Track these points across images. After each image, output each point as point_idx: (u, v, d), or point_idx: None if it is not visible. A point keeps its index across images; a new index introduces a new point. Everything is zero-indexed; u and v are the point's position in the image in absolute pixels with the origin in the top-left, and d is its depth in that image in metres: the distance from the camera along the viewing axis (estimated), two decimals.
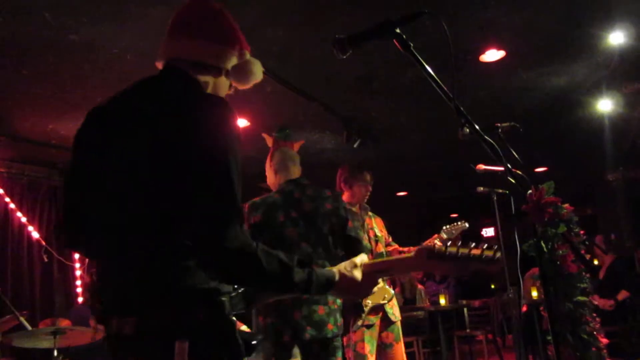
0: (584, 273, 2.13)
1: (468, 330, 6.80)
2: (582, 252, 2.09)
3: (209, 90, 1.43)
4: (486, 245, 1.31)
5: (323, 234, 2.67)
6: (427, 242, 3.65)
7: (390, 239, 3.83)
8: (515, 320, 5.61)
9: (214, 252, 1.12)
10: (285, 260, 1.22)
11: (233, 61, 1.48)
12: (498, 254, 1.30)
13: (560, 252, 1.92)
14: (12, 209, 5.22)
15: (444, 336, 6.17)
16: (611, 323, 5.35)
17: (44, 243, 5.32)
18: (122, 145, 1.23)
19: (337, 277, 1.33)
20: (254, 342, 1.33)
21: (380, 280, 3.44)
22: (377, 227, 3.71)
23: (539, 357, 5.93)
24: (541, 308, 4.60)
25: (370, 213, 3.77)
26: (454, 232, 3.71)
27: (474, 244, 1.27)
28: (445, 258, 1.26)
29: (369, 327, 3.35)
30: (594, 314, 2.60)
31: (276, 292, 1.39)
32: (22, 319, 3.43)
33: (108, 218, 1.23)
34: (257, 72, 1.56)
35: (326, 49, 3.58)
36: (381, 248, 3.64)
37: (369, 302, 3.37)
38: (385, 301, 3.45)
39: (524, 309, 6.06)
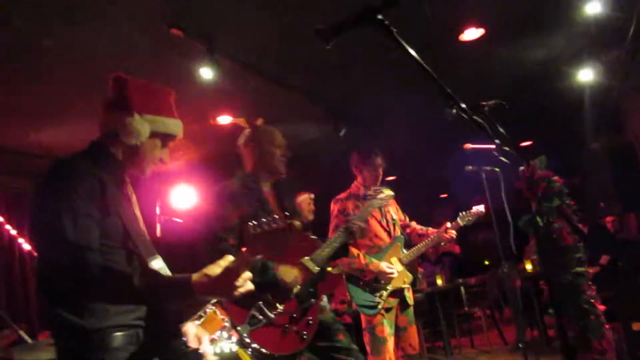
0: (579, 243, 2.16)
1: (466, 308, 6.87)
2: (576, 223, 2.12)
3: (123, 155, 1.69)
4: (275, 217, 1.48)
5: None
6: (444, 227, 3.67)
7: (407, 219, 3.86)
8: (511, 294, 5.68)
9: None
10: (122, 270, 1.47)
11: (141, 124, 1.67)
12: (289, 222, 1.46)
13: (556, 225, 1.95)
14: (0, 222, 5.16)
15: (443, 315, 6.24)
16: (604, 289, 5.44)
17: (35, 254, 5.26)
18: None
19: (194, 278, 1.45)
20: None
21: (400, 264, 3.50)
22: (392, 210, 3.74)
23: (537, 328, 6.03)
24: (541, 282, 4.66)
25: None
26: (470, 218, 3.73)
27: (270, 219, 1.45)
28: (260, 241, 1.44)
29: (388, 310, 3.38)
30: (589, 282, 2.63)
31: (124, 298, 1.50)
32: (21, 332, 3.40)
33: None
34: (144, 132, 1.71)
35: (303, 38, 3.57)
36: (399, 231, 3.67)
37: (389, 287, 3.39)
38: (406, 285, 3.49)
39: (519, 283, 6.14)
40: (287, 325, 2.50)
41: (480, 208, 3.80)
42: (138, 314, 1.55)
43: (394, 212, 3.74)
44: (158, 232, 4.55)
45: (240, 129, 2.97)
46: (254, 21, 3.48)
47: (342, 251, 2.82)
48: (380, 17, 1.54)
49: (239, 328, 2.40)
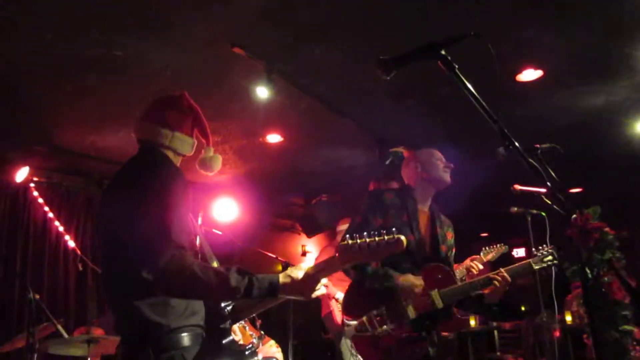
0: (627, 300, 2.07)
1: (498, 353, 6.66)
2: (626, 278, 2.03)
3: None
4: (385, 231, 1.58)
5: None
6: (467, 261, 3.60)
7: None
8: (548, 344, 5.47)
9: (155, 273, 1.45)
10: (219, 270, 1.52)
11: (180, 143, 1.86)
12: (398, 236, 1.56)
13: (606, 279, 1.87)
14: (50, 218, 5.35)
15: (473, 358, 6.06)
16: None
17: (79, 252, 5.43)
18: (106, 208, 1.73)
19: (280, 280, 1.59)
20: None
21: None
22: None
23: None
24: (584, 335, 4.49)
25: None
26: (494, 254, 3.65)
27: (376, 234, 1.58)
28: (356, 249, 1.56)
29: None
30: (634, 342, 2.51)
31: (220, 297, 1.62)
32: (59, 326, 3.50)
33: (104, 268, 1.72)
34: (216, 166, 1.99)
35: (361, 66, 3.63)
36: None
37: None
38: None
39: (557, 333, 5.91)
40: (391, 347, 2.44)
41: (505, 247, 3.72)
42: (202, 315, 1.65)
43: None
44: (198, 242, 4.63)
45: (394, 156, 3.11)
46: (312, 46, 3.55)
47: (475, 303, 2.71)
48: (443, 52, 1.57)
49: (346, 329, 2.47)
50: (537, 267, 2.71)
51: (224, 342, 1.70)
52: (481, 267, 3.54)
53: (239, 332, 3.49)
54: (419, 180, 2.82)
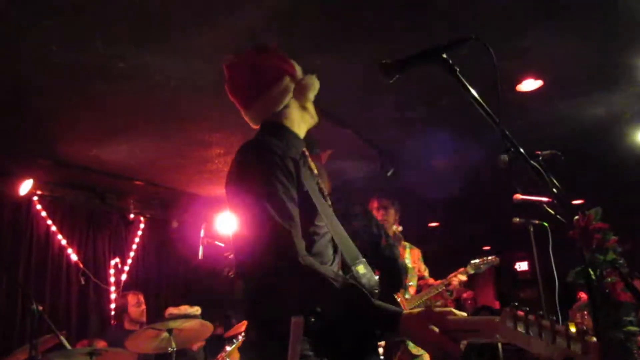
0: (633, 304, 2.06)
1: None
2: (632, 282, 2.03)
3: (288, 124, 1.71)
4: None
5: None
6: (453, 275, 3.59)
7: (426, 273, 3.77)
8: None
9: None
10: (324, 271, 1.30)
11: (287, 86, 1.72)
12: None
13: (609, 279, 1.87)
14: (53, 232, 5.36)
15: None
16: None
17: (81, 266, 5.43)
18: None
19: (402, 315, 1.20)
20: None
21: None
22: (409, 258, 3.67)
23: None
24: None
25: (405, 243, 3.73)
26: (482, 267, 3.60)
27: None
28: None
29: None
30: (639, 348, 2.49)
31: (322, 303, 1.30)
32: (62, 338, 3.49)
33: None
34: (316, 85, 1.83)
35: (361, 77, 3.65)
36: (409, 280, 3.55)
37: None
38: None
39: None
40: None
41: (496, 259, 3.69)
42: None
43: (411, 261, 3.67)
44: (200, 254, 4.64)
45: None
46: (313, 56, 3.58)
47: None
48: (444, 56, 1.59)
49: None
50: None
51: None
52: (464, 278, 3.53)
53: None
54: None
